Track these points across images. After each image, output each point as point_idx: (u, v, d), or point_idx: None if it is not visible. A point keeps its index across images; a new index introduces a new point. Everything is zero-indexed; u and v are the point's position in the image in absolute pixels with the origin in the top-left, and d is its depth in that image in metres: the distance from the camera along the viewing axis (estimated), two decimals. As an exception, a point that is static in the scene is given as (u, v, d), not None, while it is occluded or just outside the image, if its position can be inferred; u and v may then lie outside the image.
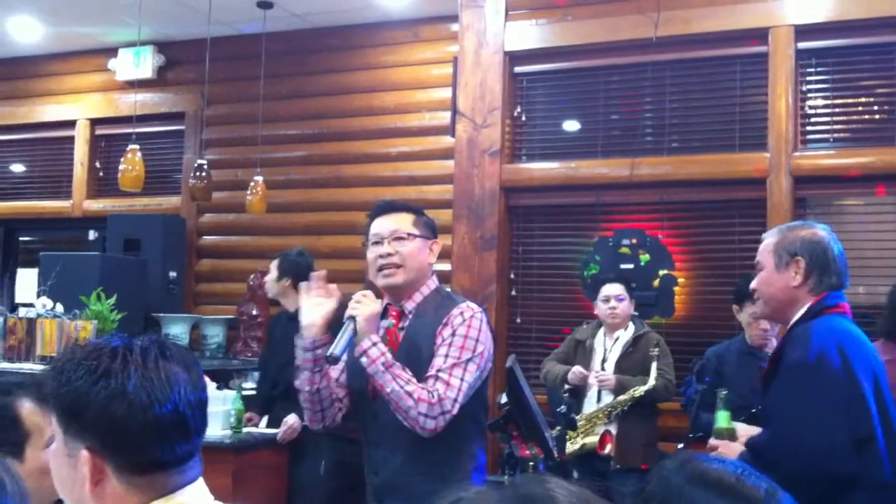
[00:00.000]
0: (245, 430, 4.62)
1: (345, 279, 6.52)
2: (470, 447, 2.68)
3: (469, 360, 2.57)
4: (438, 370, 2.55)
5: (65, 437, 1.31)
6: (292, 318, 4.92)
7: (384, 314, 2.71)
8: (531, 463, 4.02)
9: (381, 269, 2.68)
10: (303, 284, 2.70)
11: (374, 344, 2.52)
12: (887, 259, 4.69)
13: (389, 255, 2.67)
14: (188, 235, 7.08)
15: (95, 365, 1.30)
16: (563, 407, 4.11)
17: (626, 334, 4.69)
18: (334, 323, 2.67)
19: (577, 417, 4.48)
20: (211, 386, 4.71)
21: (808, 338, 2.33)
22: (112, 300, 5.32)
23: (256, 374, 5.66)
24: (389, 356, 2.52)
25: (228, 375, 6.08)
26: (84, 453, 1.28)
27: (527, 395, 3.47)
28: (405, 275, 2.67)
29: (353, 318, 2.52)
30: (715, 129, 5.23)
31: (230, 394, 4.69)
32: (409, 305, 2.71)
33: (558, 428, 4.02)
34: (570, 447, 4.50)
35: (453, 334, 2.59)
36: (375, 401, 2.63)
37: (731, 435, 2.38)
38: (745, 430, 2.47)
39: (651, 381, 4.47)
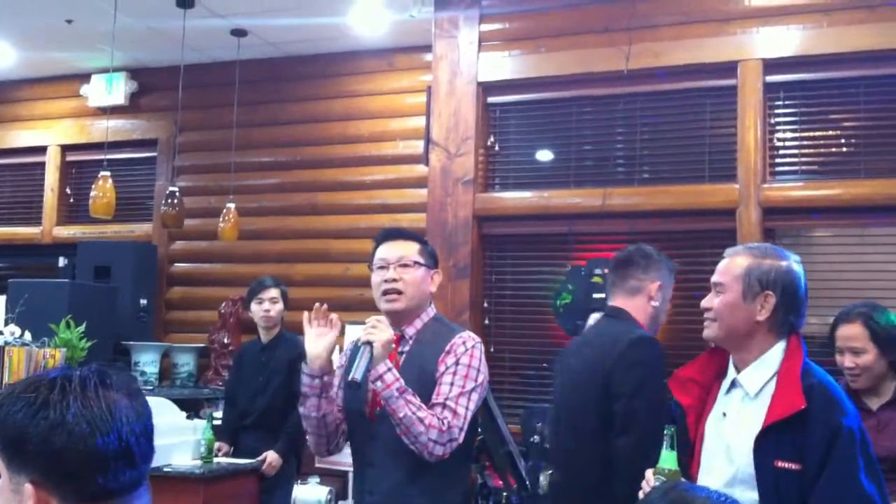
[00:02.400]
0: (215, 459, 4.58)
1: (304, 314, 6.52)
2: (462, 470, 2.75)
3: (472, 389, 2.65)
4: (446, 399, 2.62)
5: (9, 473, 1.30)
6: (264, 349, 4.91)
7: None
8: (504, 493, 4.02)
9: (385, 293, 2.75)
10: (304, 315, 2.72)
11: (389, 369, 2.59)
12: (853, 290, 4.75)
13: (394, 280, 2.75)
14: (159, 263, 7.04)
15: (34, 397, 1.28)
16: (535, 437, 4.11)
17: None
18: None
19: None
20: (181, 415, 4.67)
21: (838, 401, 2.17)
22: (81, 328, 5.25)
23: (225, 403, 5.62)
24: (402, 382, 2.58)
25: (199, 404, 6.02)
26: (28, 487, 1.26)
27: (500, 425, 3.48)
28: (407, 301, 2.75)
29: (369, 343, 2.57)
30: (685, 161, 5.29)
31: (200, 423, 4.64)
32: (410, 331, 2.78)
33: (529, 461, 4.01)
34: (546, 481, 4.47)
35: (457, 363, 2.67)
36: (374, 422, 2.69)
37: (672, 477, 2.20)
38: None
39: None
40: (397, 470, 2.66)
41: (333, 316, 2.75)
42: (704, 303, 2.40)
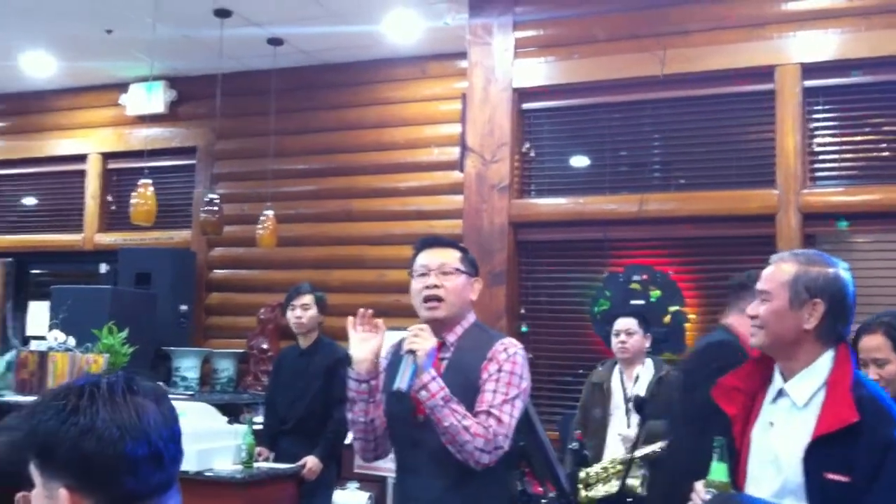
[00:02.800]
0: (255, 464, 4.63)
1: (352, 313, 6.56)
2: (505, 478, 2.74)
3: (516, 396, 2.64)
4: (490, 406, 2.61)
5: (42, 480, 1.33)
6: (303, 355, 4.95)
7: None
8: (543, 501, 4.02)
9: (426, 300, 2.73)
10: (349, 319, 2.74)
11: (434, 378, 2.57)
12: (893, 297, 4.70)
13: (436, 287, 2.72)
14: (198, 269, 7.12)
15: (63, 404, 1.32)
16: (574, 444, 4.10)
17: (644, 372, 4.63)
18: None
19: (595, 467, 4.42)
20: (222, 420, 4.72)
21: (889, 413, 2.14)
22: (123, 334, 5.34)
23: (265, 409, 5.67)
24: (448, 391, 2.56)
25: (239, 409, 6.09)
26: (62, 492, 1.30)
27: (539, 432, 3.47)
28: (448, 309, 2.72)
29: (412, 351, 2.57)
30: (723, 166, 5.27)
31: (241, 428, 4.69)
32: (451, 338, 2.75)
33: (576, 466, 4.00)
34: (594, 493, 4.42)
35: (500, 370, 2.65)
36: (416, 429, 2.67)
37: (723, 489, 2.15)
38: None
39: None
40: (441, 477, 2.65)
41: (378, 320, 2.74)
42: (750, 310, 2.35)
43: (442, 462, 2.62)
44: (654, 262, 5.36)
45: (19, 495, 1.32)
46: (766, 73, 5.07)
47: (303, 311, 4.93)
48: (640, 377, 4.59)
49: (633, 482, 4.33)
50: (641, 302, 5.25)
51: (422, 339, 2.59)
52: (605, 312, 5.17)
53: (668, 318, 5.22)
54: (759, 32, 5.10)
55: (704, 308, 5.26)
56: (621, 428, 4.53)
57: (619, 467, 4.41)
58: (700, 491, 2.21)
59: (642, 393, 4.50)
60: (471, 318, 2.82)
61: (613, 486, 4.33)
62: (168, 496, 1.37)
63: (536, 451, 3.47)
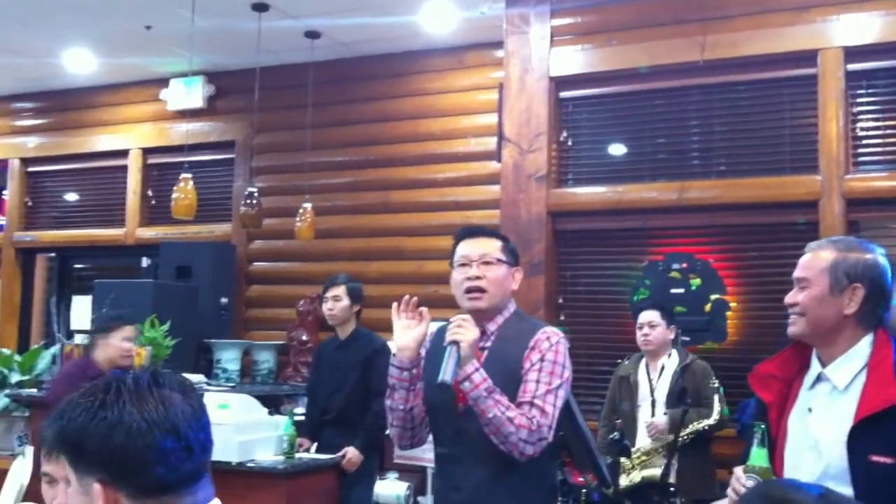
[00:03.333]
0: (297, 455, 4.66)
1: (391, 304, 6.58)
2: (548, 468, 2.73)
3: (559, 386, 2.63)
4: (533, 397, 2.59)
5: (76, 476, 1.36)
6: (340, 347, 4.98)
7: None
8: (584, 490, 4.01)
9: (467, 290, 2.73)
10: (393, 306, 2.74)
11: (477, 369, 2.56)
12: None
13: (477, 277, 2.72)
14: (238, 262, 7.18)
15: (91, 401, 1.35)
16: (615, 434, 4.09)
17: (669, 363, 4.63)
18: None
19: (635, 450, 4.42)
20: (263, 412, 4.76)
21: None
22: (166, 326, 5.41)
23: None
24: (490, 382, 2.55)
25: (279, 401, 6.14)
26: (96, 487, 1.32)
27: (579, 422, 3.46)
28: (489, 300, 2.72)
29: (456, 342, 2.56)
30: (764, 152, 5.19)
31: (282, 419, 4.73)
32: (491, 327, 2.74)
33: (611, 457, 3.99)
34: (627, 480, 4.42)
35: (542, 360, 2.64)
36: (458, 419, 2.67)
37: (764, 475, 2.14)
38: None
39: (715, 416, 4.38)
40: (483, 467, 2.64)
41: (423, 308, 2.73)
42: (788, 298, 2.33)
43: (483, 452, 2.61)
44: (695, 250, 5.31)
45: (95, 484, 1.34)
46: (808, 57, 4.99)
47: (334, 303, 4.94)
48: (665, 368, 4.59)
49: (654, 472, 4.32)
50: (681, 291, 5.19)
51: (465, 330, 2.58)
52: (644, 301, 5.12)
53: (708, 307, 5.17)
54: (802, 16, 5.01)
55: (746, 296, 5.20)
56: (648, 417, 4.52)
57: (660, 451, 4.41)
58: (741, 476, 2.19)
59: (667, 384, 4.50)
60: (511, 307, 2.80)
61: (656, 472, 4.32)
62: (199, 486, 1.39)
63: (577, 442, 3.45)
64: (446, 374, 2.51)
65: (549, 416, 2.58)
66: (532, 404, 2.58)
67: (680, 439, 4.23)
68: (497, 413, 2.53)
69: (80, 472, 1.35)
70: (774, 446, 2.32)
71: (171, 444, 1.34)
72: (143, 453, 1.32)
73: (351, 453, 4.73)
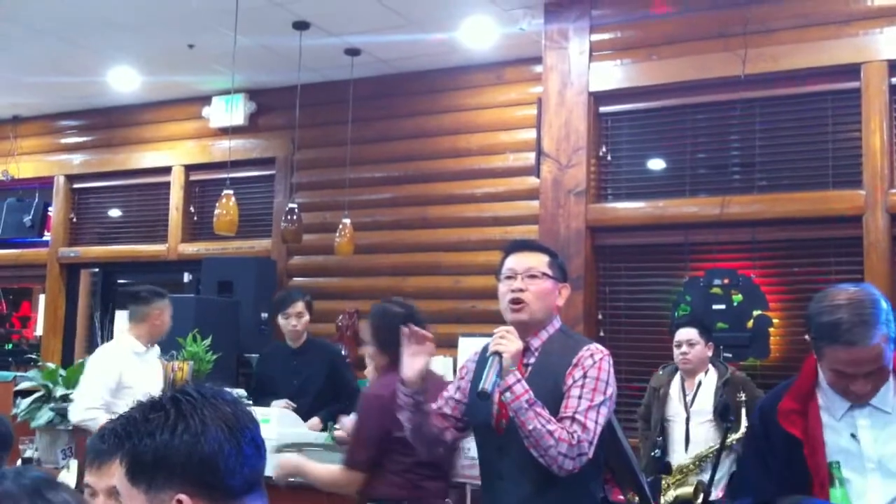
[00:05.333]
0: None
1: (430, 320, 6.60)
2: (590, 486, 2.70)
3: (601, 403, 2.60)
4: (575, 412, 2.58)
5: (148, 495, 1.35)
6: (296, 354, 5.29)
7: None
8: (625, 508, 3.96)
9: (511, 302, 2.74)
10: (403, 331, 2.75)
11: (519, 381, 2.57)
12: None
13: (521, 290, 2.72)
14: (279, 277, 7.24)
15: (163, 416, 1.36)
16: (657, 451, 4.05)
17: (707, 379, 4.60)
18: None
19: (676, 467, 4.39)
20: (303, 426, 4.79)
21: None
22: (207, 341, 5.46)
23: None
24: (532, 394, 2.55)
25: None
26: (180, 498, 1.33)
27: (621, 439, 3.43)
28: (532, 313, 2.72)
29: (498, 353, 2.57)
30: (807, 167, 5.14)
31: (322, 434, 4.75)
32: (535, 342, 2.74)
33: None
34: (662, 500, 4.40)
35: (584, 376, 2.62)
36: (501, 435, 2.68)
37: None
38: None
39: (743, 428, 4.35)
40: (526, 483, 2.64)
41: (428, 336, 2.72)
42: (859, 390, 2.25)
43: (526, 468, 2.61)
44: (737, 265, 5.26)
45: (178, 497, 1.34)
46: (851, 70, 4.93)
47: (297, 320, 5.29)
48: (703, 384, 4.56)
49: (687, 490, 4.29)
50: (723, 307, 5.15)
51: (508, 342, 2.59)
52: (685, 318, 5.08)
53: (751, 323, 5.11)
54: (845, 30, 4.96)
55: (789, 312, 5.14)
56: (680, 434, 4.50)
57: (686, 472, 4.38)
58: None
59: (709, 400, 4.47)
60: (556, 323, 2.79)
61: (688, 490, 4.30)
62: (261, 490, 1.42)
63: (619, 459, 3.42)
64: (487, 383, 2.51)
65: (590, 432, 2.56)
66: (573, 419, 2.57)
67: (709, 458, 4.22)
68: (537, 425, 2.52)
69: (156, 488, 1.34)
70: (811, 481, 2.28)
71: (250, 445, 1.38)
72: (230, 457, 1.34)
73: (314, 422, 4.90)
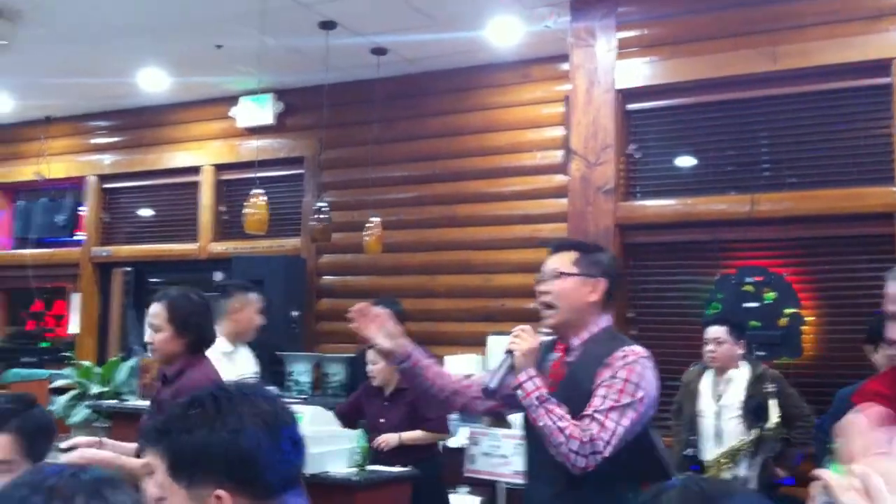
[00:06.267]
0: (370, 467, 4.72)
1: (460, 318, 6.65)
2: (616, 490, 2.62)
3: (628, 405, 2.55)
4: (595, 411, 2.55)
5: (188, 492, 1.36)
6: None
7: (553, 347, 2.78)
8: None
9: (540, 306, 2.75)
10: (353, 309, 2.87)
11: (530, 378, 2.58)
12: None
13: (543, 294, 2.73)
14: (308, 275, 7.29)
15: (202, 413, 1.37)
16: (689, 450, 4.06)
17: (739, 375, 4.60)
18: None
19: (708, 465, 4.40)
20: (336, 424, 4.83)
21: None
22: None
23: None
24: (545, 391, 2.57)
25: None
26: (219, 494, 1.34)
27: (653, 438, 3.43)
28: (559, 315, 2.71)
29: (511, 352, 2.61)
30: (838, 163, 5.11)
31: (355, 432, 4.79)
32: (576, 342, 2.72)
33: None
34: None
35: (613, 377, 2.59)
36: (535, 433, 2.68)
37: None
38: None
39: (773, 420, 4.36)
40: (551, 483, 2.65)
41: (365, 307, 2.81)
42: (893, 334, 2.25)
43: (550, 467, 2.61)
44: (768, 263, 5.24)
45: (217, 492, 1.36)
46: (882, 66, 4.89)
47: None
48: (734, 380, 4.56)
49: None
50: (755, 305, 5.13)
51: (521, 340, 2.62)
52: (717, 316, 5.07)
53: (783, 321, 5.10)
54: (875, 25, 4.92)
55: (821, 310, 5.12)
56: (710, 428, 4.52)
57: (729, 459, 4.39)
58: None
59: (739, 395, 4.48)
60: (603, 322, 2.75)
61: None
62: (300, 486, 1.45)
63: (656, 467, 3.42)
64: (492, 380, 2.57)
65: (609, 432, 2.51)
66: (592, 418, 2.54)
67: (742, 452, 4.23)
68: (548, 422, 2.53)
69: (196, 483, 1.36)
70: None
71: (288, 442, 1.39)
72: (269, 454, 1.36)
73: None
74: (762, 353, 4.76)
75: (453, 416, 5.98)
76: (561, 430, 2.52)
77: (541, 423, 2.54)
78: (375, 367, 4.90)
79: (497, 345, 6.10)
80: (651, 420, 2.73)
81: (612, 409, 2.54)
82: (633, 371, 2.59)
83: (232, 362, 4.37)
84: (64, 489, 1.00)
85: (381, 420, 4.79)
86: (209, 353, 4.45)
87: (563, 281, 2.70)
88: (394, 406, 4.91)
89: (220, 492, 1.34)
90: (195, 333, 3.27)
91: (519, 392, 2.58)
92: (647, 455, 2.85)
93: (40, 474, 1.04)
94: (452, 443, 5.72)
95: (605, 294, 2.72)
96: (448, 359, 5.82)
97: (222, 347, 4.41)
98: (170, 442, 1.38)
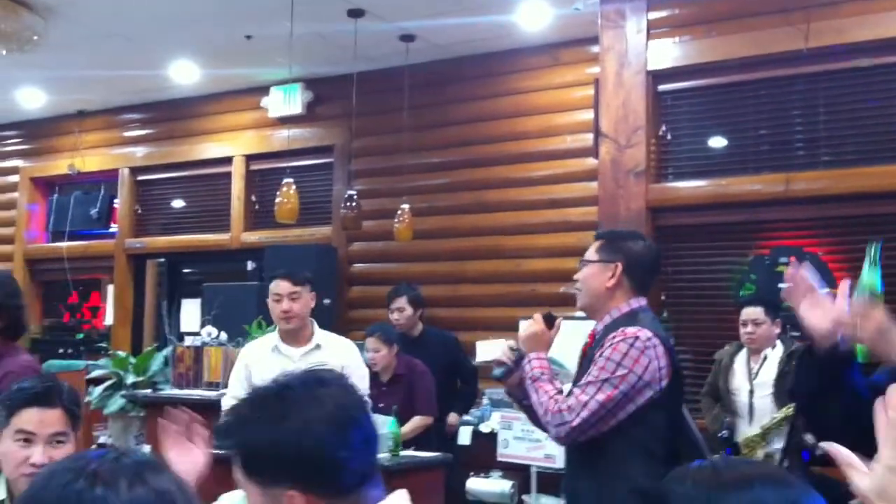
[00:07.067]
0: (402, 453, 4.72)
1: (491, 303, 6.64)
2: (626, 472, 2.64)
3: (605, 380, 2.62)
4: (577, 385, 2.70)
5: (262, 490, 1.36)
6: (415, 343, 5.60)
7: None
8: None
9: None
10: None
11: (529, 361, 2.74)
12: None
13: (575, 281, 2.89)
14: (339, 264, 7.31)
15: (269, 412, 1.36)
16: (724, 432, 4.02)
17: (773, 353, 4.56)
18: None
19: (744, 444, 4.35)
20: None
21: None
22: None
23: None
24: (537, 372, 2.71)
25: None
26: (291, 494, 1.33)
27: (687, 420, 3.41)
28: (580, 300, 2.87)
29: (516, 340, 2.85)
30: (873, 141, 5.02)
31: (387, 418, 4.80)
32: (599, 326, 2.83)
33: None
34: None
35: (601, 355, 2.68)
36: None
37: (872, 291, 2.01)
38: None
39: None
40: (571, 462, 2.83)
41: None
42: None
43: (575, 451, 2.76)
44: (803, 243, 5.16)
45: (289, 493, 1.34)
46: (920, 40, 4.80)
47: (400, 314, 5.67)
48: (769, 358, 4.52)
49: None
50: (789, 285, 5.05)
51: (523, 327, 2.84)
52: (750, 297, 5.01)
53: (818, 302, 5.01)
54: (911, -2, 4.83)
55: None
56: (744, 406, 4.48)
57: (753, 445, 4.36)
58: (808, 276, 2.05)
59: (772, 372, 4.44)
60: (625, 307, 2.78)
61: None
62: (378, 478, 1.41)
63: (690, 449, 3.41)
64: (497, 369, 2.82)
65: (580, 404, 2.60)
66: (572, 392, 2.68)
67: (773, 430, 4.21)
68: (535, 398, 2.69)
69: (269, 482, 1.34)
70: None
71: (356, 438, 1.36)
72: (336, 452, 1.33)
73: (453, 417, 5.43)
74: (796, 334, 4.68)
75: (484, 401, 5.98)
76: (541, 404, 2.67)
77: (532, 401, 2.71)
78: (378, 355, 5.10)
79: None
80: (673, 399, 2.73)
81: (589, 383, 2.64)
82: (615, 350, 2.64)
83: (281, 357, 4.19)
84: (106, 474, 1.00)
85: (380, 405, 4.82)
86: (256, 345, 4.44)
87: (587, 268, 2.82)
88: (390, 392, 5.06)
89: (293, 493, 1.32)
90: (9, 318, 3.20)
91: (517, 375, 2.79)
92: (681, 435, 2.84)
93: (82, 459, 1.03)
94: (485, 427, 5.71)
95: (623, 277, 2.77)
96: (479, 344, 5.81)
97: (275, 340, 4.30)
98: (239, 441, 1.38)
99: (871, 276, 2.00)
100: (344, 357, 4.09)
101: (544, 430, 2.74)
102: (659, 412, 2.67)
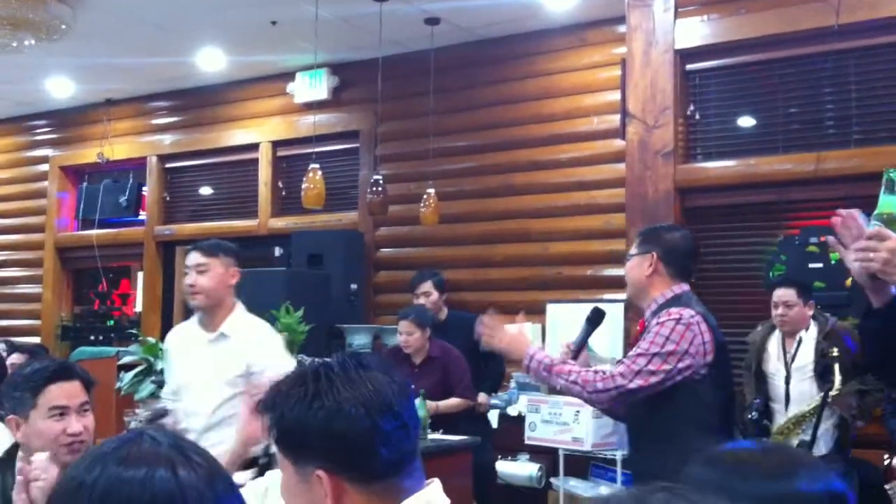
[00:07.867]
0: (430, 436, 4.73)
1: (517, 287, 6.62)
2: (679, 446, 2.64)
3: (655, 354, 2.76)
4: (626, 357, 2.86)
5: (294, 468, 1.36)
6: (442, 327, 5.54)
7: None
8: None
9: None
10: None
11: (531, 357, 2.89)
12: None
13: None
14: (366, 248, 7.32)
15: (303, 391, 1.35)
16: (754, 413, 3.98)
17: (808, 335, 4.49)
18: None
19: (776, 430, 4.30)
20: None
21: None
22: (299, 313, 5.57)
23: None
24: (548, 359, 2.84)
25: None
26: (319, 474, 1.33)
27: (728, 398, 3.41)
28: (627, 290, 3.12)
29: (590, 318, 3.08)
30: (906, 118, 4.93)
31: (415, 401, 4.81)
32: (647, 314, 2.97)
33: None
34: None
35: (648, 331, 2.83)
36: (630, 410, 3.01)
37: (890, 217, 1.96)
38: None
39: (837, 385, 4.23)
40: (631, 438, 3.00)
41: None
42: None
43: (634, 426, 2.95)
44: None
45: (318, 472, 1.34)
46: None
47: (426, 298, 5.68)
48: (804, 340, 4.45)
49: None
50: (820, 265, 4.99)
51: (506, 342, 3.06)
52: (780, 278, 4.95)
53: (849, 282, 4.94)
54: (945, -29, 4.72)
55: (891, 270, 4.95)
56: (780, 391, 4.42)
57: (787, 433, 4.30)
58: (858, 218, 2.00)
59: (810, 355, 4.37)
60: (668, 293, 2.91)
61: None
62: (415, 465, 1.39)
63: (733, 424, 3.52)
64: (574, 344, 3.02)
65: (632, 371, 2.74)
66: (620, 362, 2.84)
67: (807, 419, 4.14)
68: (560, 381, 2.80)
69: (301, 462, 1.35)
70: None
71: (390, 424, 1.34)
72: (366, 437, 1.32)
73: (483, 397, 5.35)
74: (828, 315, 4.62)
75: (511, 384, 5.98)
76: (574, 382, 2.77)
77: (558, 386, 2.84)
78: (412, 338, 5.13)
79: (555, 313, 6.05)
80: (721, 372, 2.86)
81: (639, 355, 2.78)
82: (663, 326, 2.80)
83: None
84: (146, 455, 1.00)
85: (412, 387, 4.84)
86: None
87: (629, 262, 3.02)
88: (423, 374, 5.08)
89: (320, 472, 1.32)
90: None
91: (529, 373, 2.99)
92: (723, 413, 2.90)
93: (116, 442, 1.03)
94: (512, 410, 5.71)
95: (661, 265, 2.91)
96: (506, 328, 5.78)
97: None
98: (276, 418, 1.38)
99: (887, 205, 1.95)
100: (251, 353, 3.49)
101: (585, 402, 2.94)
102: (707, 386, 2.80)
